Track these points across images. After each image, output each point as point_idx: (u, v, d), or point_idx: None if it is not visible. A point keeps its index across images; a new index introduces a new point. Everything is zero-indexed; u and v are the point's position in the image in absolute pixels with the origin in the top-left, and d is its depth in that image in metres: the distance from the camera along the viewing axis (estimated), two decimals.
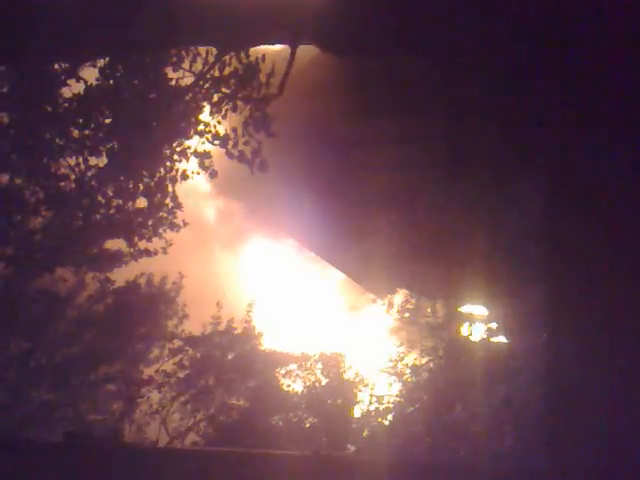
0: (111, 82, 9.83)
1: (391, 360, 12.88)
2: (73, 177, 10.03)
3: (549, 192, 9.46)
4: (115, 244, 11.82)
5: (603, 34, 8.99)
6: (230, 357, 13.83)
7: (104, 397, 13.16)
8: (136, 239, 10.77)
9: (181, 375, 13.61)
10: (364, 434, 12.84)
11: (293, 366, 13.77)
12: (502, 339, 11.93)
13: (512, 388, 10.83)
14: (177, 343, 13.79)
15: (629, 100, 8.94)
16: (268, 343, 14.02)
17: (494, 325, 12.02)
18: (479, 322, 12.22)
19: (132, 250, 11.07)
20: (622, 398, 8.52)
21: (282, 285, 15.05)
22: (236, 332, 13.84)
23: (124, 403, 13.25)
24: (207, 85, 10.41)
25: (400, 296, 13.11)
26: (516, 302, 11.30)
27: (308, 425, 13.15)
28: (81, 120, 9.77)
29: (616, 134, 8.94)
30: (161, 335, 13.68)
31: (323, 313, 14.56)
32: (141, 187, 10.22)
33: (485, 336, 12.03)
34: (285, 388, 13.65)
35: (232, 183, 12.54)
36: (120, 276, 13.00)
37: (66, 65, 9.67)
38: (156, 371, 13.50)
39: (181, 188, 11.14)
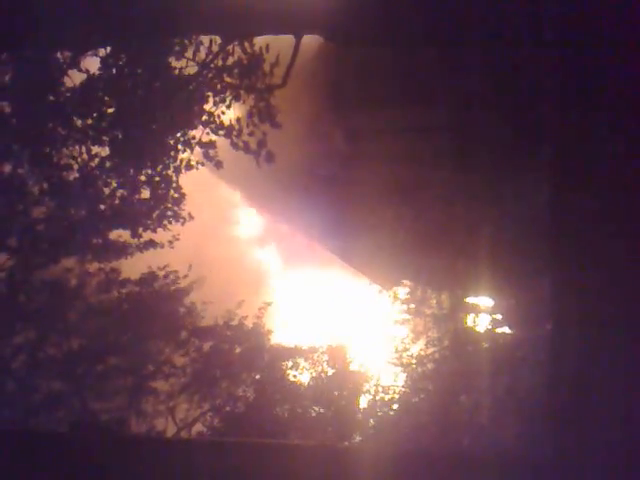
0: (114, 71, 9.82)
1: (397, 351, 12.85)
2: (76, 167, 10.03)
3: (555, 184, 9.42)
4: (121, 236, 11.84)
5: (609, 23, 8.93)
6: (238, 350, 13.83)
7: (111, 387, 13.20)
8: (140, 230, 10.76)
9: (189, 366, 13.63)
10: (370, 424, 12.84)
11: (300, 359, 13.77)
12: (507, 330, 11.90)
13: (516, 378, 10.81)
14: (185, 334, 13.80)
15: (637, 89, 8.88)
16: (275, 339, 14.01)
17: (499, 316, 11.99)
18: (484, 313, 12.19)
19: (137, 241, 11.08)
20: (626, 389, 8.49)
21: (289, 278, 15.06)
22: (247, 328, 13.83)
23: (131, 393, 13.28)
24: (211, 75, 10.38)
25: (405, 287, 13.07)
26: (521, 293, 11.27)
27: (314, 415, 13.16)
28: (84, 109, 9.77)
29: (624, 125, 8.89)
30: (170, 326, 13.70)
31: (329, 305, 14.56)
32: (144, 177, 10.22)
33: (490, 327, 12.00)
34: (291, 379, 13.65)
35: (238, 174, 12.51)
36: (129, 268, 13.02)
37: (68, 54, 9.68)
38: (164, 362, 13.52)
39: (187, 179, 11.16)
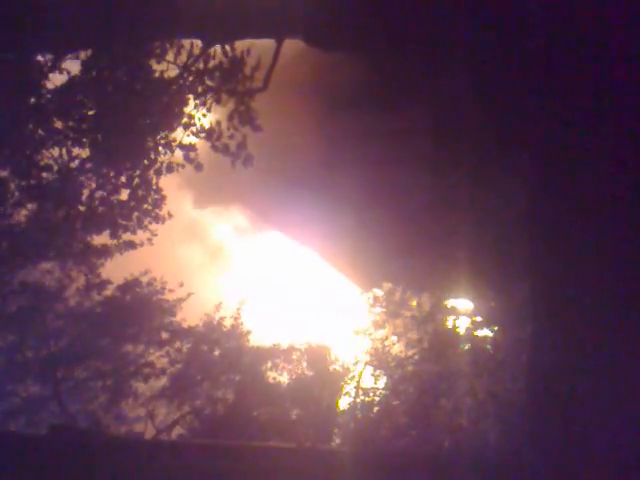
0: (94, 74, 9.79)
1: (377, 353, 12.86)
2: (56, 168, 9.99)
3: (534, 188, 9.51)
4: (100, 238, 11.77)
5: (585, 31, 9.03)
6: (217, 352, 13.79)
7: (90, 390, 13.12)
8: (120, 232, 10.73)
9: (168, 368, 13.57)
10: (350, 426, 12.84)
11: (278, 359, 13.74)
12: (487, 332, 11.96)
13: (496, 380, 10.88)
14: (165, 335, 13.74)
15: (612, 94, 8.98)
16: (255, 339, 13.98)
17: (479, 318, 12.05)
18: (464, 315, 12.25)
19: (117, 242, 11.03)
20: (605, 390, 8.58)
21: (269, 279, 15.04)
22: (225, 329, 13.79)
23: (110, 396, 13.21)
24: (192, 78, 10.39)
25: (386, 289, 13.10)
26: (501, 296, 11.34)
27: (294, 417, 13.14)
28: (64, 111, 9.74)
29: (600, 129, 8.99)
30: (149, 328, 13.63)
31: (310, 306, 14.56)
32: (124, 179, 10.20)
33: (470, 329, 12.05)
34: (271, 381, 13.62)
35: (219, 176, 12.49)
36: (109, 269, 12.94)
37: (49, 57, 9.65)
38: (143, 364, 13.45)
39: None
